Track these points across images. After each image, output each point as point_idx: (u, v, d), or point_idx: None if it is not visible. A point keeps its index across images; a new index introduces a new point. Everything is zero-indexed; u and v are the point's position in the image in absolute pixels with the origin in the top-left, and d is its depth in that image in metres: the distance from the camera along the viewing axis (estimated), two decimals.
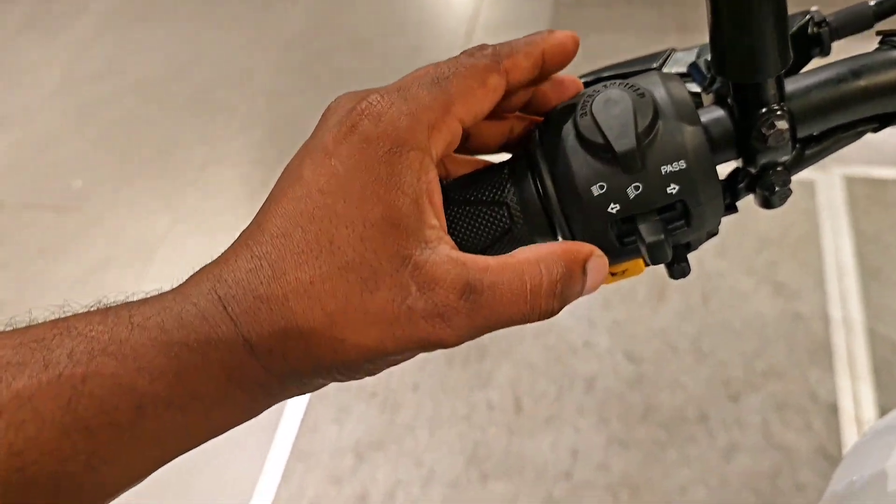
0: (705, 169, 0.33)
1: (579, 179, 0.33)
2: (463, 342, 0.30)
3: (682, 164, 0.32)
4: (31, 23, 2.74)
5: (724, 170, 0.37)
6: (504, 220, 0.35)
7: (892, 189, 1.78)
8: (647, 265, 0.36)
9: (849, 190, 1.79)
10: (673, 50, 0.40)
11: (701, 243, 0.37)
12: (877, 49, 0.37)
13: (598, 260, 0.33)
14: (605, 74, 0.39)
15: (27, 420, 0.25)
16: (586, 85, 0.36)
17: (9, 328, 0.28)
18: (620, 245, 0.34)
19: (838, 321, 1.58)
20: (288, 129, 2.24)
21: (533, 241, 0.36)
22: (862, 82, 0.35)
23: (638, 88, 0.33)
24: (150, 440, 0.28)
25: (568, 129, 0.34)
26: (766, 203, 0.37)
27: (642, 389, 1.53)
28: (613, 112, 0.32)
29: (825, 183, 1.82)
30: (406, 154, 0.30)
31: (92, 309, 0.29)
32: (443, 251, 0.30)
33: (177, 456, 0.29)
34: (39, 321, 0.29)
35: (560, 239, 0.36)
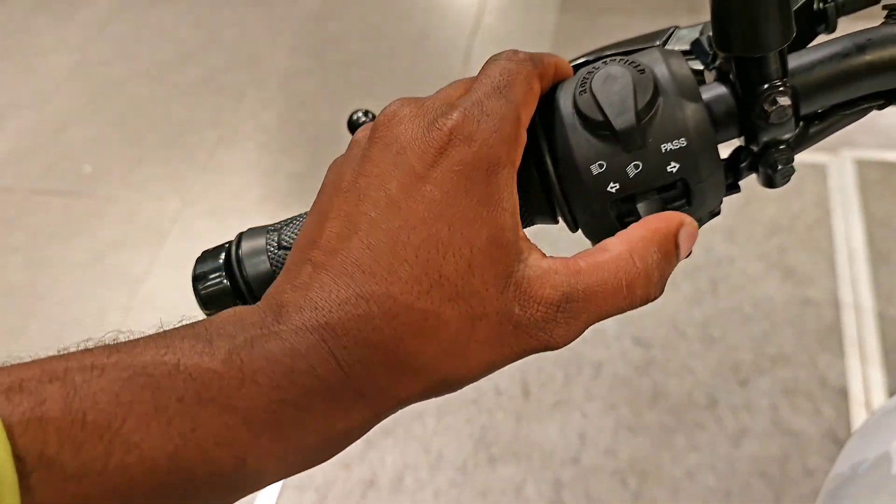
0: (706, 147, 0.32)
1: (579, 158, 0.32)
2: (570, 342, 0.30)
3: (683, 142, 0.32)
4: (43, 6, 2.74)
5: (725, 149, 0.36)
6: None
7: None
8: None
9: (860, 174, 1.78)
10: (676, 27, 0.40)
11: (703, 223, 0.37)
12: (882, 23, 0.36)
13: (688, 228, 0.32)
14: (608, 53, 0.38)
15: (133, 464, 0.25)
16: (588, 63, 0.36)
17: (111, 341, 0.28)
18: (620, 225, 0.33)
19: (848, 305, 1.57)
20: (297, 111, 2.24)
21: (533, 222, 0.36)
22: (867, 57, 0.34)
23: (638, 65, 0.33)
24: (246, 486, 0.28)
25: (567, 106, 0.33)
26: (769, 182, 0.36)
27: (651, 375, 1.53)
28: (613, 89, 0.32)
29: (836, 167, 1.80)
30: (501, 172, 0.30)
31: (191, 331, 0.28)
32: (535, 262, 0.30)
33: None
34: (141, 334, 0.28)
35: (560, 220, 0.36)
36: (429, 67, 2.30)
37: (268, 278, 0.38)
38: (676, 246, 0.32)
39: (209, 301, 0.39)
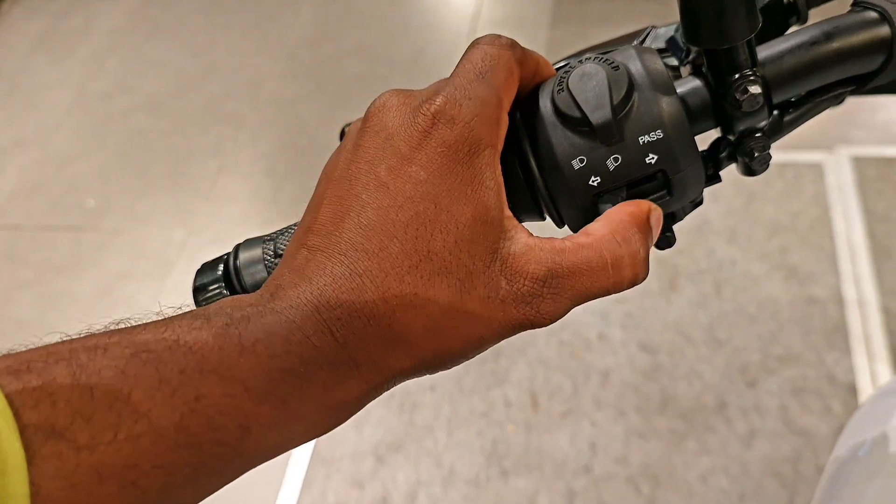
0: (683, 137, 0.33)
1: (560, 154, 0.33)
2: (557, 319, 0.32)
3: (660, 134, 0.33)
4: (42, 45, 2.78)
5: (705, 142, 0.37)
6: None
7: None
8: None
9: (858, 171, 1.78)
10: (653, 27, 0.41)
11: (686, 213, 0.38)
12: (849, 11, 0.37)
13: (656, 212, 0.34)
14: (586, 54, 0.40)
15: (142, 434, 0.25)
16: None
17: (112, 327, 0.29)
18: None
19: (853, 302, 1.57)
20: (297, 136, 2.26)
21: (521, 220, 0.37)
22: (835, 44, 0.35)
23: (612, 62, 0.34)
24: (252, 455, 0.29)
25: (546, 105, 0.34)
26: (748, 170, 0.37)
27: (659, 380, 1.53)
28: (589, 86, 0.33)
29: (833, 165, 1.81)
30: (482, 153, 0.31)
31: (189, 313, 0.29)
32: (521, 239, 0.32)
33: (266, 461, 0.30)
34: (138, 321, 0.29)
35: (546, 217, 0.37)
36: (425, 84, 2.30)
37: None
38: (650, 227, 0.34)
39: None
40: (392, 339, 0.30)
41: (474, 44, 0.34)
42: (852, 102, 1.94)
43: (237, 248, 0.41)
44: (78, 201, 2.18)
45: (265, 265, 0.40)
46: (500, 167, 0.32)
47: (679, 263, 1.67)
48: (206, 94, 2.45)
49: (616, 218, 0.33)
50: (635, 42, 0.40)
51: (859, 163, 1.80)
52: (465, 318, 0.30)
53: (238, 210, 2.09)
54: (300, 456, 1.52)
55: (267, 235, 0.41)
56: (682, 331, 1.59)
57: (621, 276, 0.32)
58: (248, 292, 0.39)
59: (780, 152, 1.85)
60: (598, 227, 0.33)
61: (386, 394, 0.32)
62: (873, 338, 1.51)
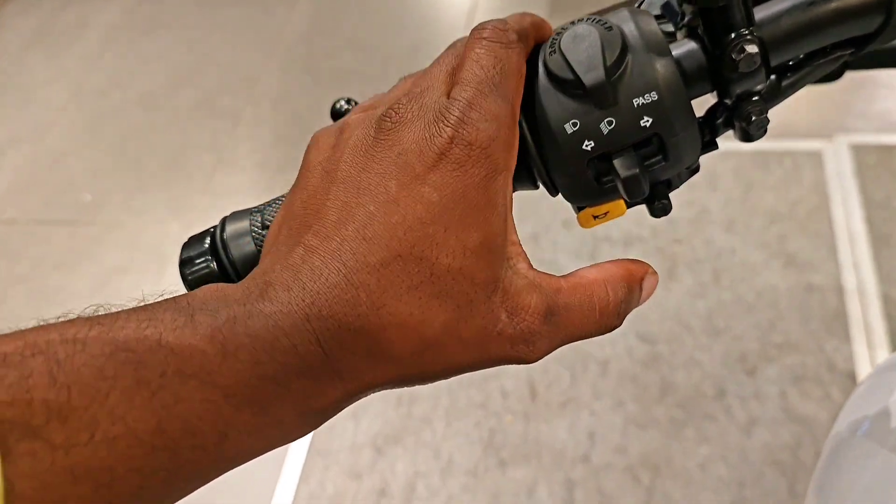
0: (678, 100, 0.32)
1: (552, 118, 0.32)
2: (541, 359, 0.32)
3: (654, 96, 0.32)
4: (38, 41, 2.77)
5: (702, 108, 0.37)
6: None
7: None
8: (627, 206, 0.36)
9: (856, 158, 1.78)
10: None
11: (682, 181, 0.37)
12: None
13: (652, 278, 0.35)
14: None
15: (119, 436, 0.25)
16: None
17: (92, 314, 0.28)
18: (598, 185, 0.34)
19: (852, 289, 1.56)
20: (293, 130, 2.25)
21: (514, 189, 0.36)
22: (832, 4, 0.34)
23: (606, 23, 0.33)
24: (229, 459, 0.28)
25: (538, 68, 0.33)
26: (745, 135, 0.36)
27: (658, 369, 1.52)
28: (581, 47, 0.32)
29: (832, 153, 1.80)
30: (498, 177, 0.31)
31: (173, 305, 0.28)
32: (522, 271, 0.31)
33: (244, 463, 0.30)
34: (121, 307, 0.28)
35: (540, 185, 0.36)
36: None
37: (253, 258, 0.39)
38: (640, 288, 0.34)
39: (197, 285, 0.39)
40: (379, 355, 0.29)
41: (479, 37, 0.33)
42: (851, 89, 1.93)
43: (224, 221, 0.40)
44: (74, 196, 2.17)
45: (252, 237, 0.39)
46: (511, 189, 0.32)
47: (677, 252, 1.67)
48: (202, 89, 2.45)
49: (611, 268, 0.33)
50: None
51: (858, 151, 1.79)
52: (457, 345, 0.30)
53: (234, 204, 2.06)
54: (298, 448, 1.51)
55: (255, 207, 0.40)
56: (681, 320, 1.58)
57: (601, 322, 0.33)
58: (235, 265, 0.38)
59: (778, 140, 1.84)
60: (592, 273, 0.33)
61: None
62: (873, 325, 1.51)
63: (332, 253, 0.29)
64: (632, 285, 0.33)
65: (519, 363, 0.31)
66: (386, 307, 0.29)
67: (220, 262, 0.39)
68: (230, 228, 0.39)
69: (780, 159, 1.79)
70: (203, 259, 0.39)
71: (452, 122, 0.30)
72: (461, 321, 0.30)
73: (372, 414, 1.53)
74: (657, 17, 0.39)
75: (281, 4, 2.72)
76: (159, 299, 0.29)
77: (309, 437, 1.51)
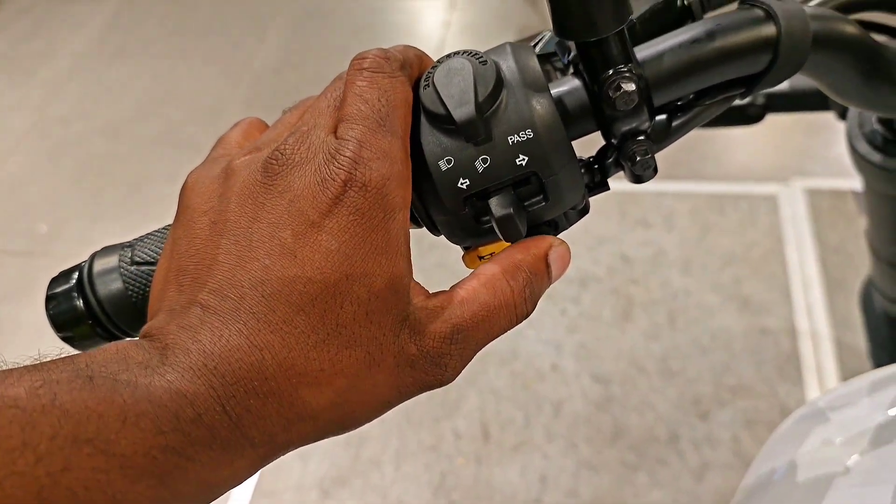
0: (554, 138, 0.31)
1: (427, 154, 0.31)
2: (459, 374, 0.31)
3: (530, 133, 0.31)
4: (2, 67, 2.74)
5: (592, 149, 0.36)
6: None
7: (854, 200, 1.78)
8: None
9: (811, 203, 1.79)
10: (549, 31, 0.39)
11: (571, 222, 0.36)
12: (736, 9, 0.35)
13: (557, 249, 0.34)
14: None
15: None
16: None
17: None
18: (477, 224, 0.33)
19: (805, 333, 1.56)
20: None
21: None
22: (717, 43, 0.33)
23: (480, 57, 0.32)
24: None
25: (416, 104, 0.32)
26: (633, 176, 0.34)
27: (611, 411, 1.51)
28: (454, 80, 0.31)
29: (787, 197, 1.81)
30: (396, 216, 0.30)
31: (70, 365, 0.26)
32: (421, 302, 0.31)
33: None
34: (14, 364, 0.26)
35: (420, 223, 0.35)
36: None
37: (120, 296, 0.37)
38: (548, 265, 0.33)
39: (62, 324, 0.38)
40: (293, 416, 0.28)
41: (359, 68, 0.32)
42: (808, 133, 1.95)
43: (93, 257, 0.38)
44: (29, 226, 2.14)
45: (120, 273, 0.37)
46: (409, 226, 0.31)
47: (633, 293, 1.66)
48: (165, 120, 2.43)
49: (508, 257, 0.33)
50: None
51: (813, 195, 1.80)
52: (372, 388, 0.29)
53: None
54: (243, 489, 1.47)
55: (126, 242, 0.39)
56: (635, 361, 1.57)
57: (513, 314, 0.32)
58: (101, 303, 0.37)
59: (734, 184, 1.86)
60: (488, 268, 0.32)
61: None
62: (825, 369, 1.51)
63: (230, 313, 0.28)
64: (535, 267, 0.33)
65: (438, 385, 0.31)
66: (295, 367, 0.27)
67: (86, 300, 0.37)
68: (98, 265, 0.38)
69: (736, 202, 1.80)
70: (68, 296, 0.38)
71: (344, 164, 0.29)
72: (373, 366, 0.29)
73: (319, 455, 1.50)
74: (551, 55, 0.39)
75: (250, 38, 2.72)
76: (56, 358, 0.27)
77: (255, 477, 1.48)
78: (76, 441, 0.24)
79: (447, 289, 0.32)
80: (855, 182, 1.79)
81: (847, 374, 1.49)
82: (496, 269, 0.32)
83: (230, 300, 0.28)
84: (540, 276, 0.33)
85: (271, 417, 0.27)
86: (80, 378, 0.25)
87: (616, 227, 1.78)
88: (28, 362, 0.27)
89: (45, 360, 0.27)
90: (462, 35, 2.56)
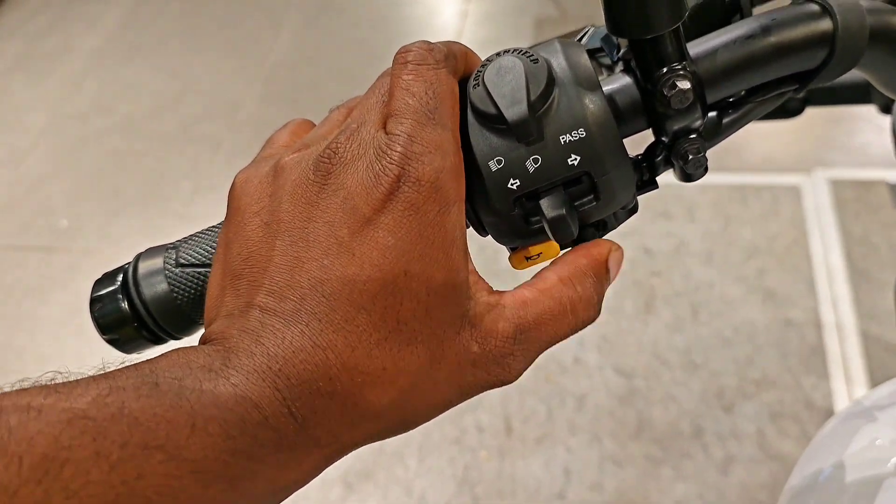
0: (608, 137, 0.31)
1: (477, 154, 0.31)
2: (522, 374, 0.31)
3: (582, 133, 0.30)
4: (20, 65, 2.76)
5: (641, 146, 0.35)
6: None
7: (878, 190, 1.76)
8: (561, 248, 0.34)
9: (835, 193, 1.77)
10: (593, 25, 0.39)
11: (619, 222, 0.35)
12: (791, 4, 0.34)
13: (616, 254, 0.34)
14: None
15: None
16: None
17: (48, 382, 0.26)
18: (527, 225, 0.32)
19: (830, 325, 1.55)
20: None
21: None
22: (772, 38, 0.32)
23: (532, 55, 0.31)
24: None
25: (463, 103, 0.32)
26: (684, 175, 0.34)
27: (634, 405, 1.50)
28: (505, 80, 0.30)
29: (811, 187, 1.80)
30: (451, 210, 0.29)
31: (135, 372, 0.26)
32: (484, 299, 0.30)
33: None
34: (80, 375, 0.26)
35: (469, 226, 0.34)
36: None
37: (166, 299, 0.37)
38: (607, 269, 0.33)
39: (107, 326, 0.38)
40: (357, 415, 0.28)
41: (404, 62, 0.31)
42: (831, 123, 1.93)
43: (137, 258, 0.38)
44: (50, 222, 2.15)
45: (166, 276, 0.37)
46: (465, 219, 0.30)
47: (655, 285, 1.65)
48: (183, 116, 2.43)
49: (572, 261, 0.32)
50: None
51: (837, 185, 1.79)
52: (434, 386, 0.29)
53: None
54: None
55: (170, 244, 0.38)
56: (659, 354, 1.56)
57: (578, 318, 0.32)
58: (146, 305, 0.37)
59: (757, 175, 1.84)
60: (554, 272, 0.32)
61: None
62: (851, 361, 1.49)
63: (291, 314, 0.28)
64: (598, 271, 0.33)
65: (502, 384, 0.31)
66: (358, 367, 0.27)
67: (131, 302, 0.37)
68: (143, 267, 0.38)
69: (759, 193, 1.78)
70: (113, 298, 0.37)
71: (396, 159, 0.29)
72: (434, 363, 0.29)
73: None
74: (596, 50, 0.38)
75: (265, 33, 2.72)
76: (121, 366, 0.27)
77: None
78: (147, 448, 0.24)
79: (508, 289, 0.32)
80: (879, 172, 1.77)
81: (873, 366, 1.48)
82: (562, 274, 0.32)
83: (290, 301, 0.28)
84: (602, 280, 0.33)
85: (336, 417, 0.27)
86: (146, 385, 0.25)
87: (637, 219, 1.77)
88: (91, 372, 0.27)
89: (109, 370, 0.27)
90: (480, 25, 2.55)
